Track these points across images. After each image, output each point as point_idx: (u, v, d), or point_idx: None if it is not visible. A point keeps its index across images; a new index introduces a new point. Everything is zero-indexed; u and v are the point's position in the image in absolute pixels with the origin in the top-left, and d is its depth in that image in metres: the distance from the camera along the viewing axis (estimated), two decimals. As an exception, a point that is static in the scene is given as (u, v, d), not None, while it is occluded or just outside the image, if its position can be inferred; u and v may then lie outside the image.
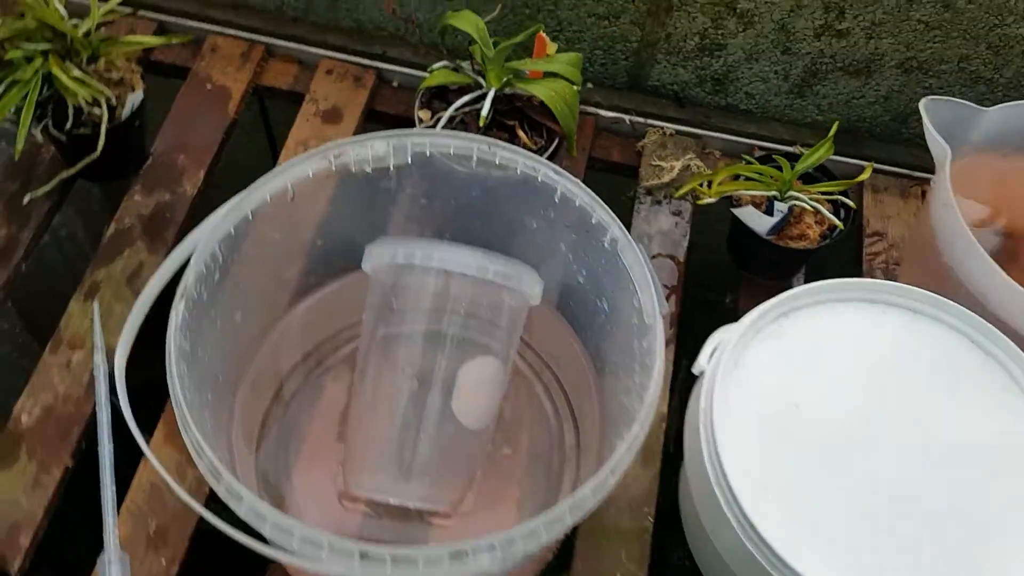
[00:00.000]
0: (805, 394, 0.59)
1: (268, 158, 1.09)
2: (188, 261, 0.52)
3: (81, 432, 0.68)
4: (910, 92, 0.91)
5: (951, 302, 0.61)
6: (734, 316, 0.80)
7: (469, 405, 0.62)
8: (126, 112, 0.73)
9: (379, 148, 0.58)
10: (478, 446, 0.63)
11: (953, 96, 0.90)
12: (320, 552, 0.44)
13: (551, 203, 0.59)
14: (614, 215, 0.55)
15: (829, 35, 0.87)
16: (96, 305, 0.73)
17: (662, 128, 0.89)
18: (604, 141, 0.90)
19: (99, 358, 0.70)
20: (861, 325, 0.62)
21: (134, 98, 0.74)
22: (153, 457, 0.47)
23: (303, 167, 0.56)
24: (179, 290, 0.51)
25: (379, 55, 0.96)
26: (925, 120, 0.67)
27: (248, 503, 0.44)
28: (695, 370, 0.61)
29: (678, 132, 0.90)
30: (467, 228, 0.63)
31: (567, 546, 0.68)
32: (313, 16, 0.97)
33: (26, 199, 0.75)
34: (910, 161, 0.93)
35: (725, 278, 0.88)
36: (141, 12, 0.89)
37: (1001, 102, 0.89)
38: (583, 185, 0.57)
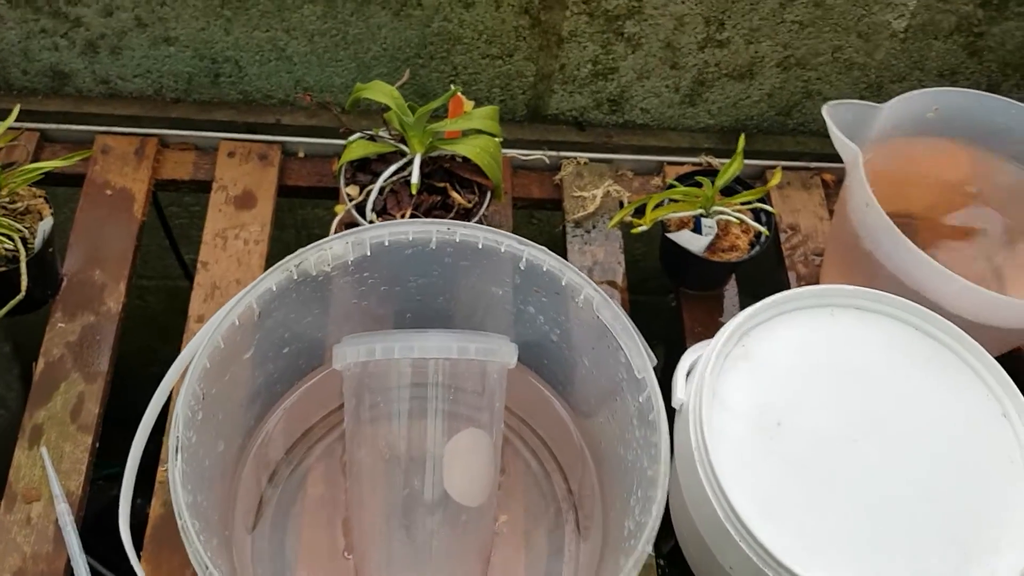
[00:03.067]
0: (783, 410, 0.63)
1: (170, 255, 1.06)
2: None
3: (60, 589, 0.64)
4: (791, 87, 0.96)
5: (895, 296, 0.65)
6: (678, 318, 0.83)
7: (465, 484, 0.63)
8: (39, 242, 0.69)
9: (337, 248, 0.57)
10: (485, 525, 0.63)
11: (829, 86, 0.97)
12: None
13: (516, 270, 0.59)
14: (586, 277, 0.57)
15: (712, 46, 0.91)
16: (45, 450, 0.68)
17: (575, 159, 0.91)
18: (522, 179, 0.91)
19: (62, 507, 0.66)
20: (816, 331, 0.66)
21: (44, 225, 0.69)
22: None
23: (266, 283, 0.55)
24: (172, 442, 0.49)
25: (274, 124, 0.94)
26: (830, 125, 0.71)
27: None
28: (675, 404, 0.63)
29: (591, 160, 0.92)
30: (428, 305, 0.63)
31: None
32: (195, 95, 0.94)
33: (-56, 355, 0.69)
34: (798, 150, 0.99)
35: (661, 281, 0.91)
36: (20, 124, 0.84)
37: (876, 85, 0.97)
38: (547, 251, 0.58)
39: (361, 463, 0.63)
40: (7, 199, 0.68)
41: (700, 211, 0.78)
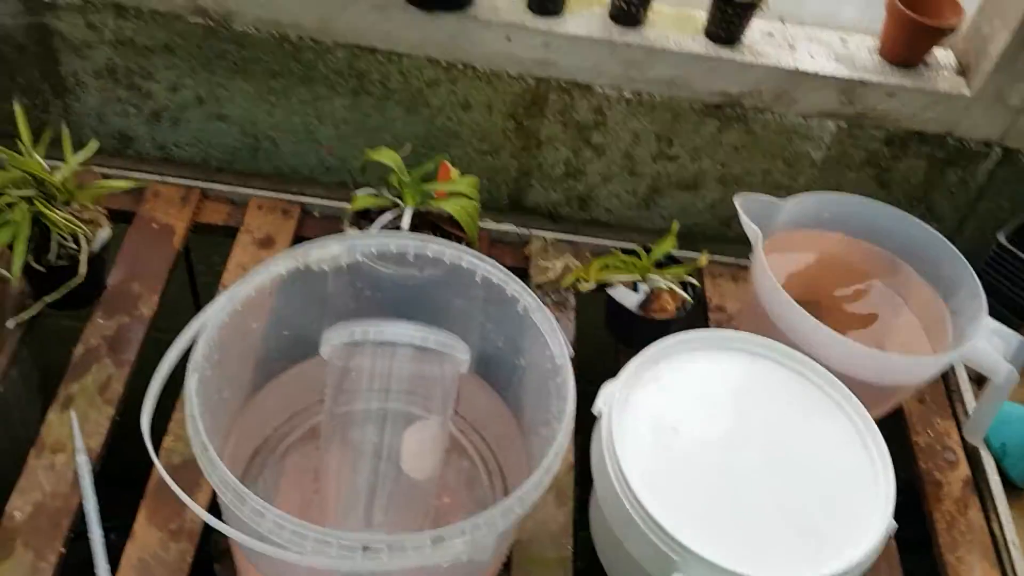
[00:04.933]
0: (680, 420, 0.77)
1: (191, 311, 1.22)
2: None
3: (70, 523, 0.76)
4: (730, 201, 1.14)
5: (778, 343, 0.81)
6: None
7: (416, 462, 0.76)
8: (96, 246, 0.85)
9: (335, 248, 0.74)
10: (428, 492, 0.76)
11: (762, 201, 1.16)
12: (329, 549, 0.56)
13: (473, 284, 0.75)
14: (525, 286, 0.73)
15: (663, 159, 1.11)
16: (73, 413, 0.82)
17: (543, 237, 1.09)
18: (497, 250, 1.09)
19: (82, 458, 0.79)
20: (715, 365, 0.81)
21: (103, 234, 0.86)
22: (163, 469, 0.58)
23: (277, 267, 0.71)
24: (190, 364, 0.64)
25: (296, 193, 1.12)
26: (739, 210, 0.89)
27: (271, 516, 0.56)
28: (594, 411, 0.77)
29: (556, 240, 1.09)
30: (406, 312, 0.79)
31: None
32: (237, 165, 1.14)
33: (11, 323, 0.85)
34: (735, 254, 1.16)
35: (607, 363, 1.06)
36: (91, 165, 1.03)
37: (799, 204, 1.16)
38: (499, 265, 0.74)
39: (333, 439, 0.77)
40: (77, 209, 0.86)
41: (637, 277, 0.94)
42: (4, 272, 0.85)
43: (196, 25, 0.99)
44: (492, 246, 1.09)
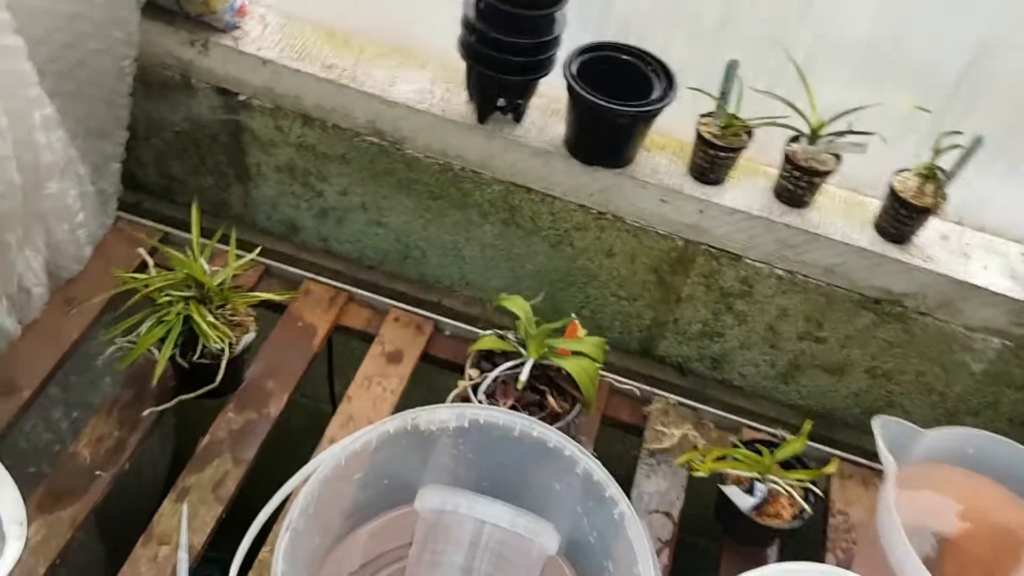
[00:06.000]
0: (765, 657, 0.72)
1: (325, 383, 1.26)
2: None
3: (161, 616, 0.81)
4: (876, 393, 1.08)
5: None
6: (716, 567, 0.94)
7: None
8: (240, 348, 0.91)
9: (444, 414, 0.75)
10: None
11: (911, 402, 1.08)
12: None
13: (573, 473, 0.74)
14: (623, 493, 0.71)
15: (809, 339, 1.06)
16: (185, 508, 0.87)
17: (666, 398, 1.06)
18: (616, 402, 1.07)
19: (183, 555, 0.84)
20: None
21: (247, 338, 0.92)
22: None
23: (387, 426, 0.73)
24: (285, 522, 0.66)
25: (435, 303, 1.15)
26: (876, 436, 0.83)
27: None
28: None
29: (680, 403, 1.06)
30: (504, 481, 0.79)
31: None
32: (386, 266, 1.18)
33: (146, 412, 0.92)
34: (872, 447, 1.09)
35: (712, 529, 1.02)
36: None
37: (952, 413, 1.07)
38: (601, 464, 0.73)
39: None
40: (230, 311, 0.92)
41: (756, 474, 0.90)
42: (156, 353, 0.92)
43: (372, 144, 1.05)
44: (612, 396, 1.07)
